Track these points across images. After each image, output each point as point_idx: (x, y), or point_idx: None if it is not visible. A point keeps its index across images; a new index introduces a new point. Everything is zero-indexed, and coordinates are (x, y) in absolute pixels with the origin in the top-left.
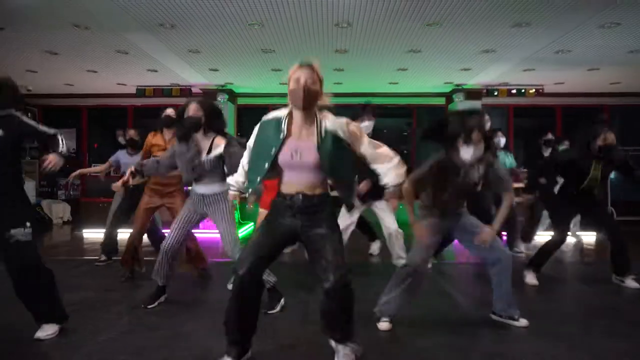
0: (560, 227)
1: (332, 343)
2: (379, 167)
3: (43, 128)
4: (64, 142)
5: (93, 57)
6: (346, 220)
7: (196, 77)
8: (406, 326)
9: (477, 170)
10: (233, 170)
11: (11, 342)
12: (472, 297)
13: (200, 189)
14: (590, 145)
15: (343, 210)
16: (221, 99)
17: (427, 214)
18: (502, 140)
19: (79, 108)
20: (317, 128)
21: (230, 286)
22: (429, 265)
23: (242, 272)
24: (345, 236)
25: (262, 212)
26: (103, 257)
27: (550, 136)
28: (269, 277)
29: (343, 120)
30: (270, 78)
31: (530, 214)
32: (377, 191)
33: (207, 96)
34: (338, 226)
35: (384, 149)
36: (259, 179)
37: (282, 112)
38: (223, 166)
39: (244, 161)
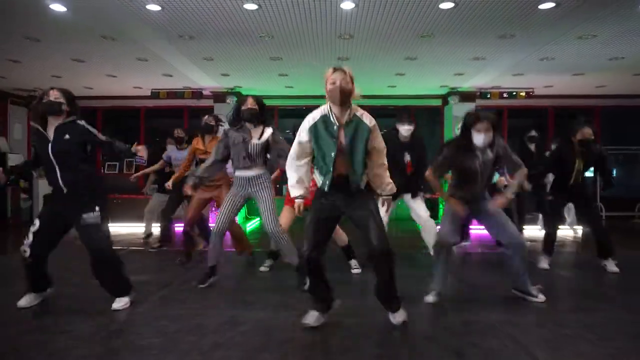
0: (551, 217)
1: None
2: (380, 173)
3: (101, 137)
4: (118, 145)
5: (114, 63)
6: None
7: (207, 81)
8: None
9: (490, 152)
10: (276, 156)
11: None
12: (468, 284)
13: (247, 172)
14: (572, 141)
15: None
16: (230, 101)
17: (454, 193)
18: (405, 128)
19: (94, 109)
20: (348, 114)
21: (262, 268)
22: (457, 240)
23: (307, 253)
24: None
25: (286, 209)
26: (157, 244)
27: (533, 133)
28: (293, 259)
29: (369, 115)
30: (277, 82)
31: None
32: (407, 185)
33: (217, 97)
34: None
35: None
36: (331, 168)
37: (322, 109)
38: (266, 153)
39: (295, 163)
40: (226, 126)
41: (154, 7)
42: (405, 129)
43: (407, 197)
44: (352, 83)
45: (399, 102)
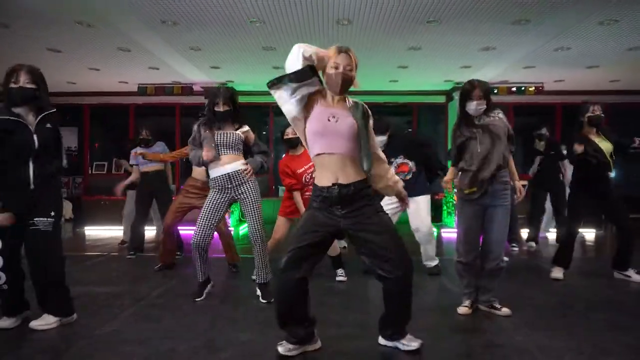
0: (572, 220)
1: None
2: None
3: (62, 144)
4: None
5: (95, 54)
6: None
7: (197, 75)
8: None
9: (489, 132)
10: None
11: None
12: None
13: (222, 169)
14: (582, 122)
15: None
16: None
17: (465, 196)
18: (379, 139)
19: (81, 106)
20: (347, 102)
21: (254, 277)
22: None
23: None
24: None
25: (281, 221)
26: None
27: (544, 130)
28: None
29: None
30: (271, 76)
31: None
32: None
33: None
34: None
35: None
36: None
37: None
38: (244, 148)
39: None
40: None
41: None
42: (379, 140)
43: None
44: (355, 70)
45: (400, 99)
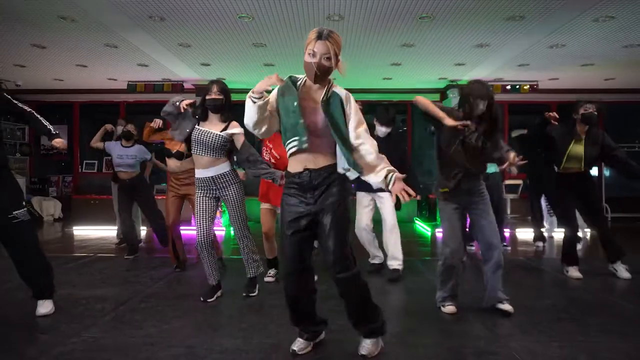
0: (566, 219)
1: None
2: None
3: (22, 105)
4: (42, 121)
5: (81, 51)
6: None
7: (188, 72)
8: (396, 325)
9: (475, 133)
10: (245, 160)
11: None
12: (464, 293)
13: (207, 172)
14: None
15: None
16: None
17: (445, 196)
18: (382, 130)
19: (70, 104)
20: (326, 90)
21: (267, 279)
22: (464, 256)
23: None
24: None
25: (264, 212)
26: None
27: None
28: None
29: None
30: (262, 73)
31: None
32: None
33: (200, 91)
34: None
35: (372, 140)
36: (305, 137)
37: (300, 77)
38: (230, 151)
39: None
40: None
41: None
42: (382, 131)
43: (381, 194)
44: (337, 57)
45: (394, 97)
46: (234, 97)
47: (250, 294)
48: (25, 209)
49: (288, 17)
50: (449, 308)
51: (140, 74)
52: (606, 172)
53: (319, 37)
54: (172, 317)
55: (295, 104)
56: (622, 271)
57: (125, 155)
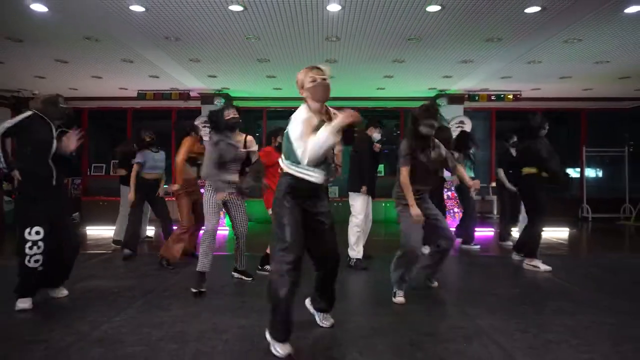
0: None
1: (316, 314)
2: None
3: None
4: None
5: (99, 65)
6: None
7: (195, 83)
8: (388, 307)
9: (432, 152)
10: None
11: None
12: (444, 282)
13: (229, 176)
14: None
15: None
16: (218, 102)
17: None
18: (377, 136)
19: (80, 110)
20: (331, 114)
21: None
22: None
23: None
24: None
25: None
26: (127, 252)
27: (515, 139)
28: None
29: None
30: (264, 84)
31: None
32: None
33: (205, 99)
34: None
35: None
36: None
37: (304, 108)
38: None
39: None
40: (212, 134)
41: (137, 8)
42: (376, 136)
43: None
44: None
45: (387, 104)
46: (237, 104)
47: (248, 278)
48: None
49: (291, 38)
50: (400, 299)
51: (151, 83)
52: (587, 174)
53: (312, 68)
54: (192, 302)
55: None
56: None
57: (159, 160)
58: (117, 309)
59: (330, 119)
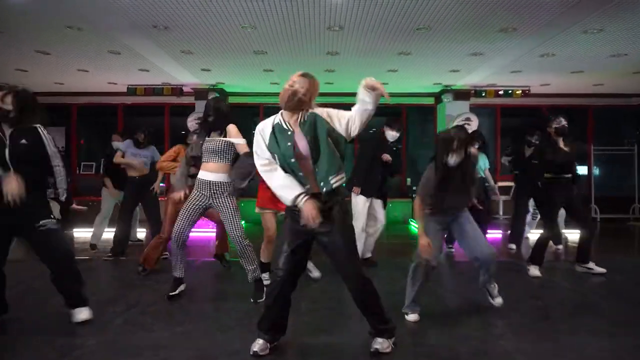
0: (549, 221)
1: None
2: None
3: (53, 154)
4: (62, 177)
5: (85, 57)
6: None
7: (188, 77)
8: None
9: (461, 170)
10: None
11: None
12: (459, 296)
13: (208, 175)
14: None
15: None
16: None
17: (430, 212)
18: (394, 135)
19: (68, 106)
20: (300, 118)
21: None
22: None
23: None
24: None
25: (266, 216)
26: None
27: (535, 139)
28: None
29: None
30: (261, 78)
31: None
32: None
33: (198, 94)
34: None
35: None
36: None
37: (272, 118)
38: (232, 155)
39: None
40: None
41: None
42: (391, 135)
43: (377, 200)
44: (311, 95)
45: (390, 100)
46: (233, 100)
47: (258, 300)
48: (53, 219)
49: (290, 28)
50: (413, 316)
51: (141, 78)
52: (595, 173)
53: (302, 74)
54: (181, 320)
55: (290, 134)
56: (596, 268)
57: (142, 155)
58: (93, 328)
59: (305, 120)
